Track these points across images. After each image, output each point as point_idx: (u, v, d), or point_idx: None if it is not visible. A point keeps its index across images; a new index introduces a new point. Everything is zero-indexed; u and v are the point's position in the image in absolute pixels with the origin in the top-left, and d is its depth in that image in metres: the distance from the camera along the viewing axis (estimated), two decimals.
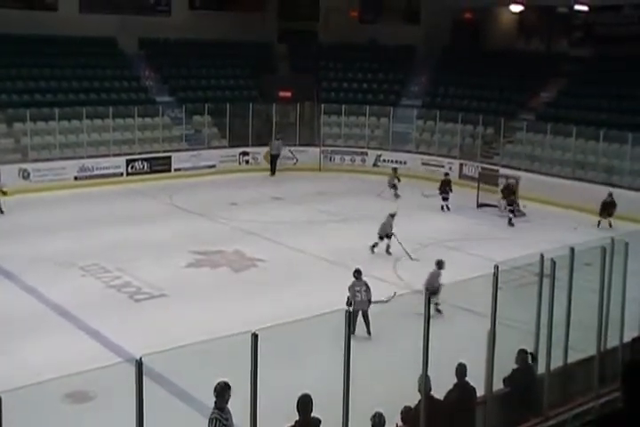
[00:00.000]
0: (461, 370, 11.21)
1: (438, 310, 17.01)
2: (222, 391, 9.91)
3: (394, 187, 30.90)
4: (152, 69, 38.90)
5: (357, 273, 17.50)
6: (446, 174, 30.17)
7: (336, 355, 9.70)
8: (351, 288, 17.08)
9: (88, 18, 37.89)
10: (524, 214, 28.49)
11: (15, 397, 7.42)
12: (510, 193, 28.38)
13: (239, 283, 21.00)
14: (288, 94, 38.36)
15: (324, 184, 33.17)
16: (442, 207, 28.99)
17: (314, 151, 36.56)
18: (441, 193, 29.28)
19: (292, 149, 36.50)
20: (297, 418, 9.85)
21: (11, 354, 15.71)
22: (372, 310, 16.82)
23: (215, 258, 22.91)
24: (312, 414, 9.88)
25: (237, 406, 9.44)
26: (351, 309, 15.37)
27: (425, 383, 10.55)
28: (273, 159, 34.60)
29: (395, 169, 32.28)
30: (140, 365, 8.16)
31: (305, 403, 9.81)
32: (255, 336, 8.71)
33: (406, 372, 10.79)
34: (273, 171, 35.02)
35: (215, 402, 9.96)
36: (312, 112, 37.86)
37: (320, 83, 39.38)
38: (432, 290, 16.45)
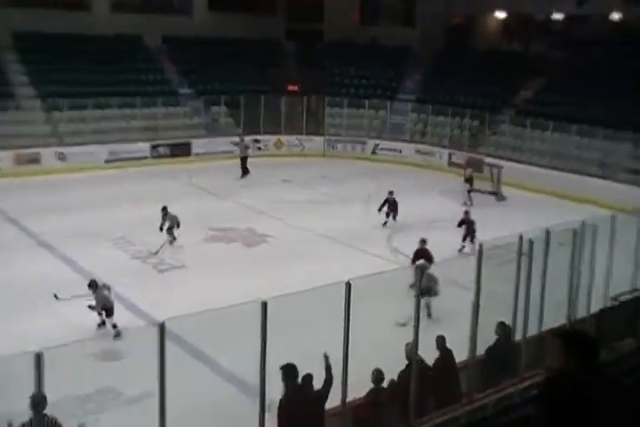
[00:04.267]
0: (441, 341, 11.37)
1: (429, 314, 15.91)
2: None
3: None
4: (174, 64, 38.84)
5: None
6: (391, 193, 24.22)
7: (338, 323, 9.80)
8: None
9: (118, 17, 38.04)
10: (504, 198, 28.54)
11: (55, 353, 7.53)
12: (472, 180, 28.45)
13: (250, 257, 21.11)
14: (295, 88, 38.37)
15: (328, 169, 33.18)
16: (384, 223, 24.16)
17: (319, 139, 36.58)
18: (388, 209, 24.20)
19: (299, 137, 36.49)
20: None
21: (50, 315, 15.83)
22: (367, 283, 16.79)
23: (229, 234, 23.00)
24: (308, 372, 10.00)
25: (249, 365, 9.50)
26: None
27: (413, 349, 10.68)
28: (242, 161, 31.84)
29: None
30: (162, 328, 8.25)
31: (289, 370, 9.89)
32: (264, 304, 8.80)
33: (402, 339, 10.88)
34: (244, 172, 31.74)
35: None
36: (317, 104, 37.79)
37: (325, 78, 39.28)
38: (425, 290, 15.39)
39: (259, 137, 35.97)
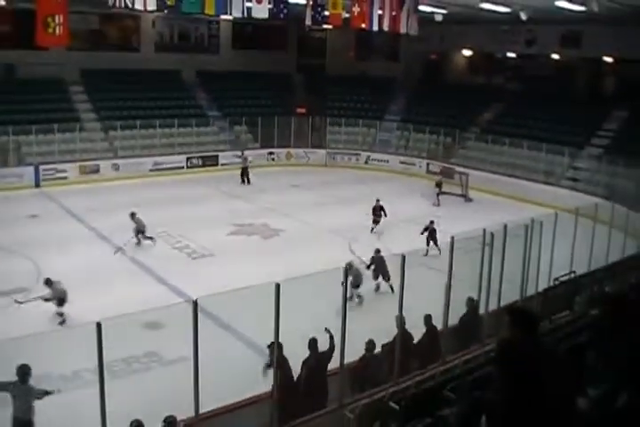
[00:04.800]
0: (428, 319, 11.32)
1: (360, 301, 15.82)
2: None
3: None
4: (205, 92, 38.73)
5: None
6: (378, 200, 23.05)
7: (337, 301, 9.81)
8: None
9: (160, 56, 38.01)
10: (471, 200, 28.50)
11: (109, 324, 7.55)
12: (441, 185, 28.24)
13: (266, 247, 21.10)
14: (303, 110, 38.22)
15: (329, 176, 33.06)
16: (371, 229, 22.83)
17: (321, 152, 36.41)
18: (374, 215, 22.96)
19: (306, 150, 36.36)
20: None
21: (106, 294, 15.86)
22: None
23: (249, 229, 22.98)
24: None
25: (266, 334, 9.50)
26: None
27: (400, 320, 10.68)
28: (243, 171, 31.22)
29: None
30: (195, 304, 8.27)
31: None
32: (278, 286, 8.80)
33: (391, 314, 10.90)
34: (247, 181, 31.09)
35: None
36: (320, 123, 37.70)
37: (326, 102, 39.22)
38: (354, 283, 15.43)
39: (273, 150, 35.96)
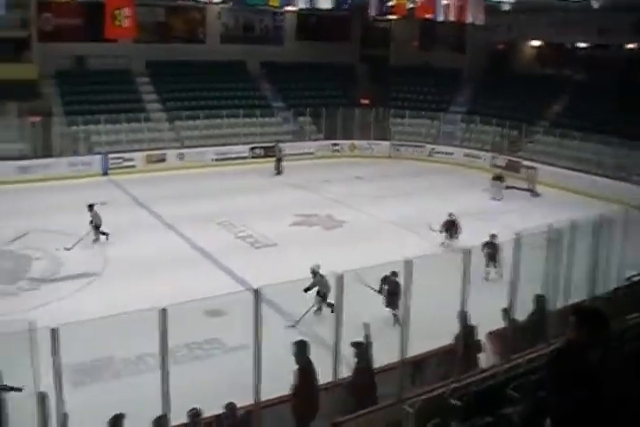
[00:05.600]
0: (462, 315, 10.90)
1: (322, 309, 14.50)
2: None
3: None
4: (270, 83, 38.98)
5: None
6: (451, 215, 20.29)
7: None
8: None
9: (226, 47, 38.42)
10: (538, 195, 27.91)
11: (172, 310, 7.67)
12: (502, 179, 27.61)
13: (328, 238, 21.09)
14: (367, 102, 38.03)
15: (392, 168, 32.78)
16: (443, 243, 20.06)
17: (385, 144, 36.11)
18: (446, 232, 20.20)
19: (369, 141, 36.13)
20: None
21: (172, 281, 16.12)
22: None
23: (311, 219, 23.01)
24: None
25: (326, 325, 9.51)
26: None
27: (463, 316, 10.54)
28: (278, 162, 31.36)
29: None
30: (257, 293, 8.32)
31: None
32: (340, 277, 8.79)
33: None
34: (279, 171, 31.15)
35: None
36: (384, 115, 37.45)
37: (390, 93, 38.94)
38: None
39: (336, 141, 35.90)
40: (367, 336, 9.99)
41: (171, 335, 7.91)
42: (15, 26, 32.93)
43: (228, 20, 40.06)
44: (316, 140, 35.96)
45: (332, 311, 13.72)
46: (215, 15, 39.01)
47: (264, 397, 8.96)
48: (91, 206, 20.02)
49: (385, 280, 14.08)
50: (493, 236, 17.17)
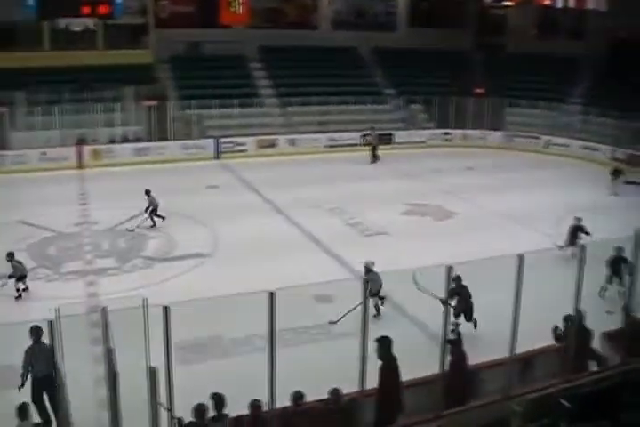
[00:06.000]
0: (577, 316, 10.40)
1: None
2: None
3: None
4: (381, 70, 38.77)
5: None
6: (578, 219, 17.83)
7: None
8: None
9: (338, 33, 38.64)
10: None
11: (282, 293, 7.70)
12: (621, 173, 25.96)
13: (439, 229, 20.72)
14: (481, 90, 37.21)
15: (505, 160, 31.83)
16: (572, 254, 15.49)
17: (498, 134, 35.20)
18: (570, 237, 17.61)
19: (483, 131, 35.29)
20: None
21: (280, 265, 16.31)
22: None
23: (422, 209, 22.66)
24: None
25: (436, 318, 9.32)
26: None
27: (577, 314, 10.11)
28: (373, 149, 30.93)
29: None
30: (366, 282, 8.24)
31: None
32: (449, 268, 8.59)
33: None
34: (375, 158, 30.77)
35: None
36: (499, 104, 36.45)
37: (506, 82, 37.88)
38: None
39: (448, 130, 35.31)
40: (459, 333, 9.77)
41: (279, 318, 7.97)
42: (133, 13, 34.22)
43: (340, 5, 40.17)
44: (427, 128, 35.51)
45: (383, 304, 13.79)
46: (327, 1, 39.14)
47: (369, 385, 8.91)
48: (147, 192, 20.17)
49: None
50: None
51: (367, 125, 33.58)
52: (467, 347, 9.92)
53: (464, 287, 12.84)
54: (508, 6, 37.94)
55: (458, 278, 12.42)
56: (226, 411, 8.21)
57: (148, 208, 19.98)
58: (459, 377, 9.49)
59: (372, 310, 12.75)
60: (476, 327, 12.96)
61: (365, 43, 38.63)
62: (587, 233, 17.40)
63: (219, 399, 8.23)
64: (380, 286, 13.63)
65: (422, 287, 9.10)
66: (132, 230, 19.64)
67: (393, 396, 8.95)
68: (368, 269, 13.85)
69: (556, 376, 9.64)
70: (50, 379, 9.27)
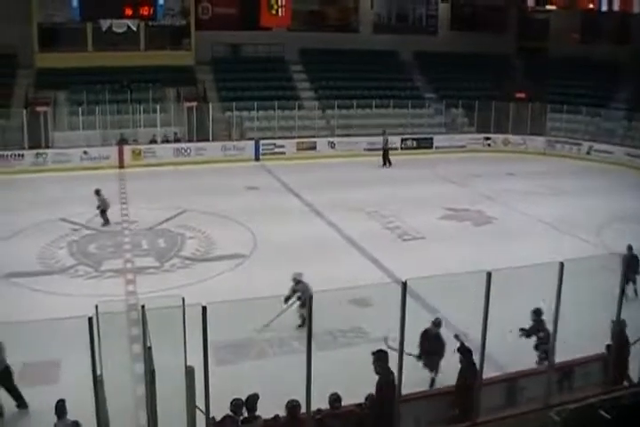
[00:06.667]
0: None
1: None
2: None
3: None
4: (422, 74, 38.75)
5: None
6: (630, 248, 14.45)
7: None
8: None
9: (379, 37, 38.73)
10: None
11: (319, 296, 7.73)
12: None
13: (477, 234, 20.48)
14: (523, 95, 36.82)
15: (547, 166, 31.35)
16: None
17: (540, 139, 34.73)
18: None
19: (524, 137, 34.90)
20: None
21: (317, 268, 16.20)
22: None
23: (462, 214, 22.44)
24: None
25: (472, 323, 9.25)
26: None
27: (617, 323, 9.97)
28: (385, 153, 30.66)
29: None
30: (404, 285, 8.20)
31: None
32: (489, 274, 8.52)
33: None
34: (387, 163, 30.48)
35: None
36: (540, 110, 36.05)
37: (547, 87, 37.48)
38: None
39: (489, 135, 35.02)
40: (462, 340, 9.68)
41: (315, 321, 7.99)
42: (175, 14, 34.68)
43: (381, 9, 40.18)
44: (467, 133, 35.30)
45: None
46: (368, 4, 39.18)
47: (405, 391, 8.88)
48: (97, 191, 20.29)
49: (425, 334, 11.15)
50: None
51: (408, 130, 33.59)
52: (509, 355, 9.81)
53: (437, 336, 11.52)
54: (550, 10, 37.47)
55: (436, 323, 11.35)
56: (259, 413, 8.25)
57: (99, 207, 20.19)
58: (466, 390, 9.28)
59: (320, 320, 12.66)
60: None
61: (406, 46, 38.62)
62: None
63: (252, 401, 8.29)
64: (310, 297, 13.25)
65: (393, 347, 8.83)
66: (77, 229, 19.73)
67: (385, 410, 8.72)
68: (297, 281, 13.51)
69: (597, 387, 9.53)
70: None
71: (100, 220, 20.23)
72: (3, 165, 27.73)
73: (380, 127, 33.45)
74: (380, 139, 31.23)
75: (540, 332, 11.55)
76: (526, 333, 11.15)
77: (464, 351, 9.68)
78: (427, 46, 38.85)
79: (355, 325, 13.40)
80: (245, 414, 8.28)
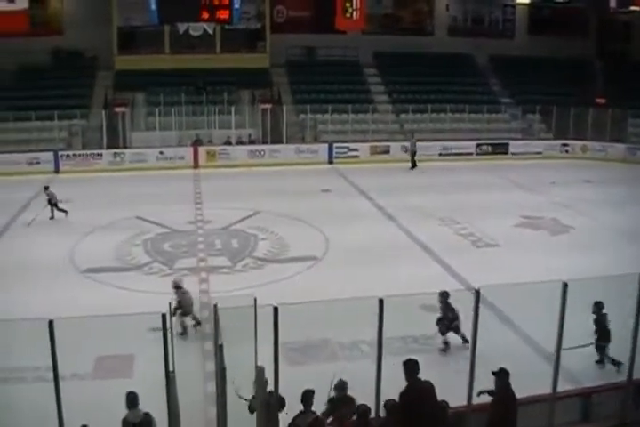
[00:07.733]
0: None
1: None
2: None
3: None
4: (498, 78, 38.35)
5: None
6: None
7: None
8: None
9: (454, 40, 38.57)
10: None
11: (390, 301, 7.70)
12: None
13: (554, 243, 19.90)
14: (603, 101, 35.94)
15: (628, 173, 30.11)
16: None
17: (620, 146, 33.59)
18: None
19: (603, 143, 33.90)
20: None
21: (388, 272, 16.24)
22: None
23: (537, 222, 21.92)
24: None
25: (546, 334, 9.06)
26: None
27: None
28: (412, 156, 30.40)
29: None
30: (477, 293, 8.11)
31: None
32: (565, 285, 8.30)
33: None
34: (413, 165, 30.38)
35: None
36: (621, 116, 35.04)
37: (630, 92, 36.37)
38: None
39: (567, 141, 34.26)
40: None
41: (388, 326, 7.96)
42: (250, 18, 35.22)
43: (457, 12, 39.85)
44: (544, 139, 34.66)
45: (196, 327, 12.87)
46: (443, 7, 38.92)
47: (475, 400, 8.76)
48: (46, 188, 21.24)
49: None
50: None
51: (483, 135, 33.23)
52: (583, 369, 9.53)
53: (449, 305, 12.36)
54: (633, 11, 36.36)
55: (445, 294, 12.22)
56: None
57: (50, 201, 20.91)
58: (500, 417, 8.60)
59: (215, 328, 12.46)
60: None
61: (482, 50, 38.22)
62: None
63: (307, 396, 8.18)
64: (191, 305, 12.95)
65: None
66: (29, 224, 20.25)
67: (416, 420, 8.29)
68: (177, 286, 13.10)
69: None
70: None
71: (49, 213, 20.98)
72: (82, 164, 28.73)
73: (457, 132, 33.31)
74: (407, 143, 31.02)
75: (597, 329, 11.39)
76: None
77: (500, 373, 8.65)
78: (503, 50, 38.36)
79: (425, 331, 13.27)
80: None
